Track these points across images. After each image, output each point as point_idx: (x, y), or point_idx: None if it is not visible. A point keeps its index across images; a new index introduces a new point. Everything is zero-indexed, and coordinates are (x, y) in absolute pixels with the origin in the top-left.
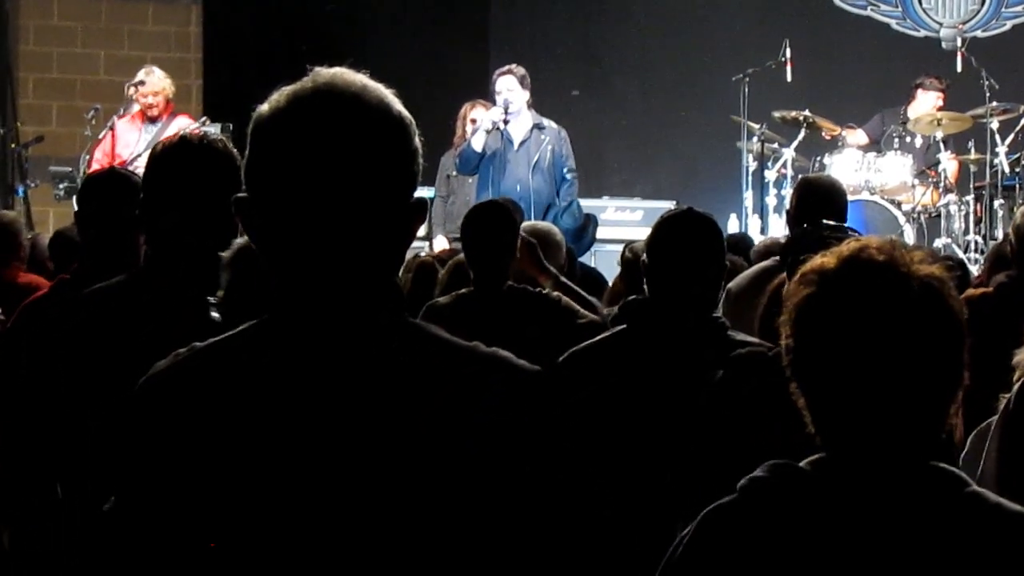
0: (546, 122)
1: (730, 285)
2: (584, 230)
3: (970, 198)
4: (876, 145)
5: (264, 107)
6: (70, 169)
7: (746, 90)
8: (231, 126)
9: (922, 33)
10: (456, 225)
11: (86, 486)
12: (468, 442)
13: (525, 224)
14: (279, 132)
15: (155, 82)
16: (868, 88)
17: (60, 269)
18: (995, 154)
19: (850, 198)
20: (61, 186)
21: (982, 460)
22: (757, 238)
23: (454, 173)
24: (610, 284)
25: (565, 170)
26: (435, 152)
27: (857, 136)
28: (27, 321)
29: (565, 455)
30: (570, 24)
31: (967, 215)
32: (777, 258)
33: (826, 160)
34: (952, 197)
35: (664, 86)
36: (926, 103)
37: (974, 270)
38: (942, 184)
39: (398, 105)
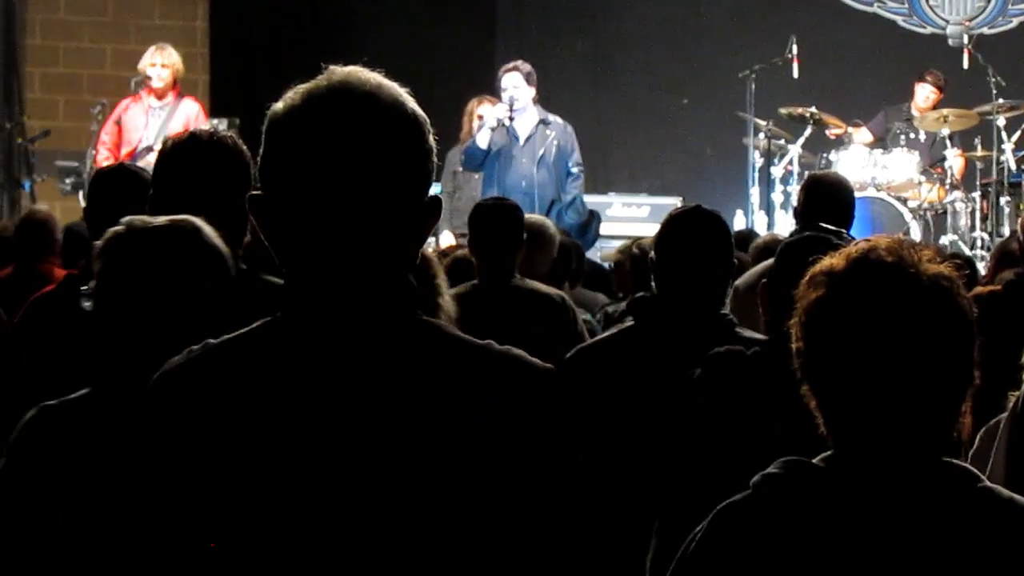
0: (552, 117)
1: (737, 282)
2: (587, 226)
3: (976, 195)
4: (881, 142)
5: (279, 105)
6: (76, 164)
7: (752, 86)
8: (238, 121)
9: (928, 30)
10: (463, 221)
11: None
12: (468, 441)
13: None
14: (294, 130)
15: (169, 56)
16: (874, 85)
17: (70, 264)
18: (1002, 151)
19: (856, 195)
20: (67, 180)
21: (991, 458)
22: (764, 234)
23: (460, 169)
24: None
25: (571, 164)
26: (442, 148)
27: (862, 134)
28: (32, 317)
29: (569, 454)
30: (577, 20)
31: (973, 212)
32: None
33: (832, 157)
34: (958, 194)
35: (670, 82)
36: (919, 97)
37: (980, 267)
38: (948, 181)
39: (412, 103)
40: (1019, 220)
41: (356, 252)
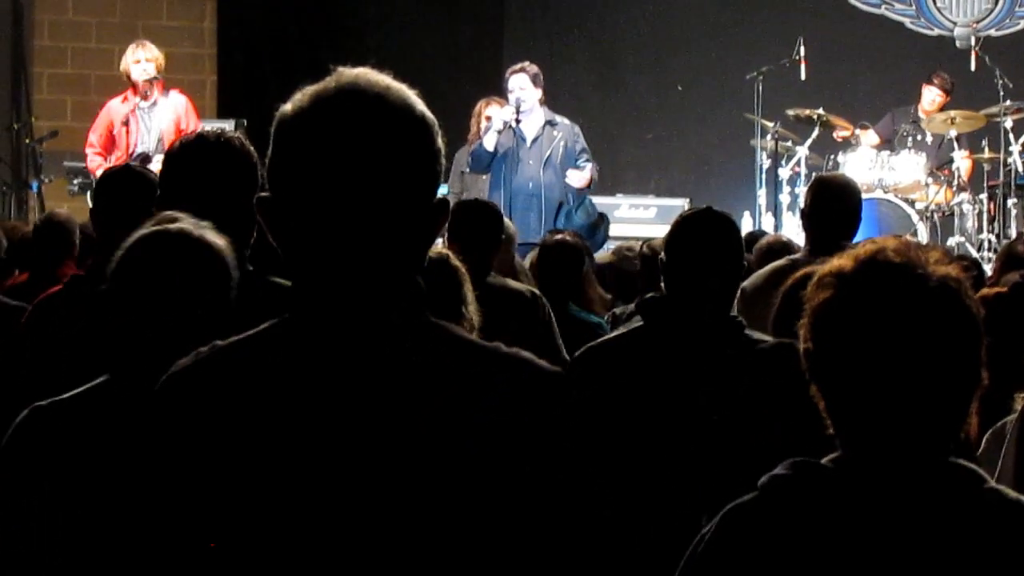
0: (558, 118)
1: (744, 284)
2: (596, 228)
3: (983, 196)
4: (889, 144)
5: (287, 107)
6: (84, 164)
7: (760, 88)
8: (245, 122)
9: (936, 32)
10: None
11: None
12: (468, 442)
13: None
14: (302, 132)
15: (151, 50)
16: (882, 86)
17: (81, 265)
18: (1009, 152)
19: (864, 196)
20: (75, 181)
21: (1000, 459)
22: (769, 235)
23: (468, 170)
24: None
25: (578, 161)
26: (450, 149)
27: (869, 136)
28: (38, 318)
29: (571, 455)
30: (585, 21)
31: (980, 213)
32: (791, 257)
33: (840, 158)
34: (965, 196)
35: (678, 83)
36: (926, 100)
37: (987, 269)
38: (955, 183)
39: (421, 105)
40: None
41: (364, 254)
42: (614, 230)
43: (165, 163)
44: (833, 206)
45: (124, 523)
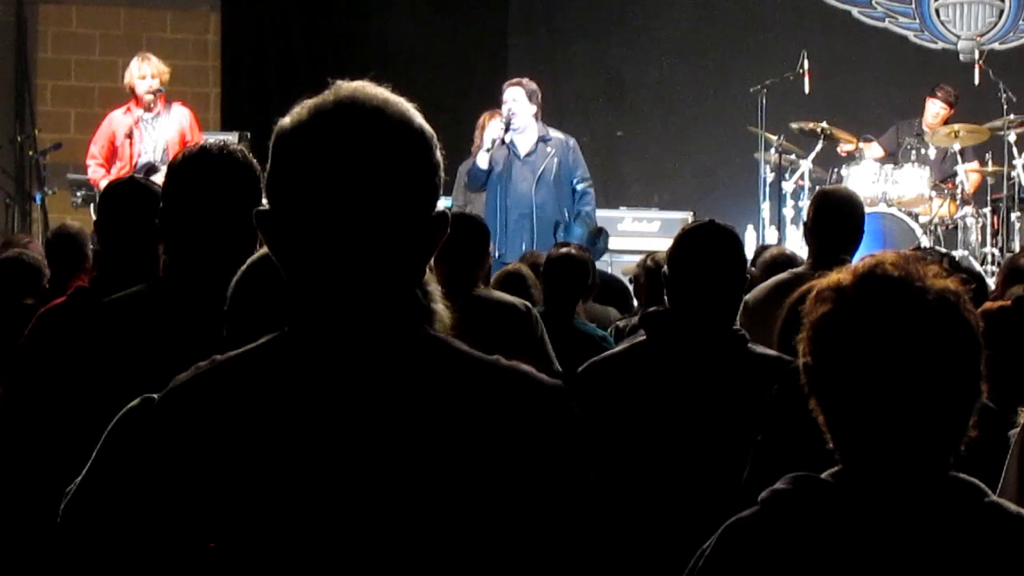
0: (552, 133)
1: (747, 297)
2: (595, 239)
3: (987, 210)
4: (893, 157)
5: (286, 120)
6: (87, 176)
7: (764, 101)
8: (249, 135)
9: (940, 45)
10: None
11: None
12: (468, 456)
13: None
14: (301, 145)
15: (156, 65)
16: (886, 100)
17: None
18: (1012, 166)
19: (867, 210)
20: (79, 193)
21: (1003, 473)
22: (772, 248)
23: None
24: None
25: (576, 181)
26: (453, 162)
27: (873, 149)
28: (42, 331)
29: (573, 469)
30: (589, 34)
31: (984, 227)
32: (794, 270)
33: (843, 172)
34: (969, 209)
35: (682, 96)
36: (929, 113)
37: (990, 282)
38: (959, 196)
39: (419, 119)
40: None
41: (363, 267)
42: (618, 243)
43: (168, 175)
44: (836, 219)
45: (128, 536)
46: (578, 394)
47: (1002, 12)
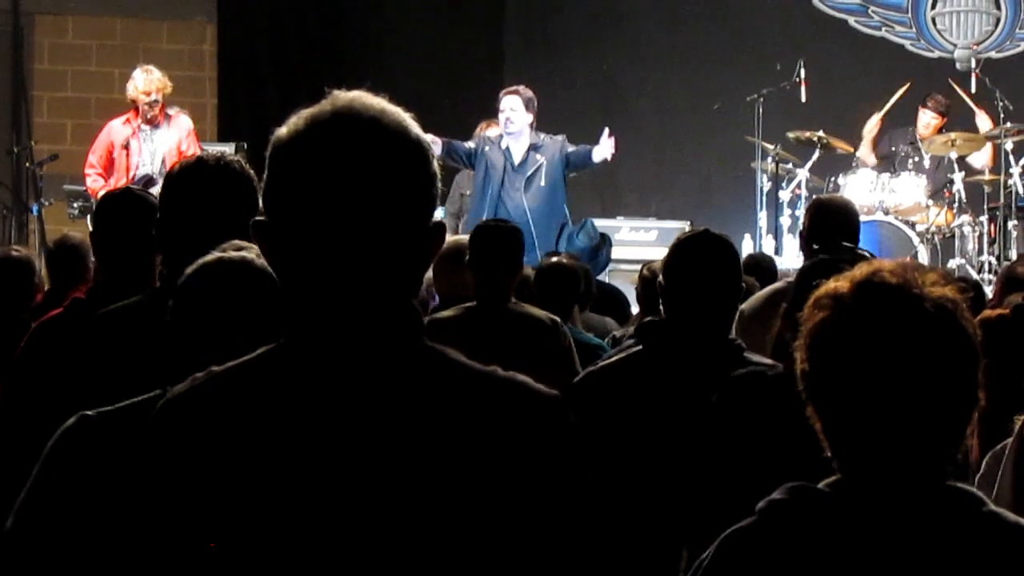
0: (543, 139)
1: (743, 306)
2: (598, 250)
3: (984, 219)
4: (889, 165)
5: (282, 131)
6: (84, 188)
7: (760, 110)
8: (245, 145)
9: (936, 54)
10: None
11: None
12: (465, 467)
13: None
14: (298, 156)
15: (159, 79)
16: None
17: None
18: (1009, 175)
19: (864, 219)
20: (75, 204)
21: (997, 481)
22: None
23: (468, 191)
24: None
25: (569, 151)
26: (450, 172)
27: (863, 150)
28: (38, 343)
29: (571, 480)
30: (585, 43)
31: (981, 236)
32: (791, 280)
33: (840, 180)
34: (966, 218)
35: (678, 106)
36: (920, 123)
37: (988, 291)
38: (956, 204)
39: (416, 129)
40: None
41: (360, 278)
42: (615, 253)
43: (165, 186)
44: (831, 228)
45: (127, 546)
46: (575, 404)
47: (999, 21)
